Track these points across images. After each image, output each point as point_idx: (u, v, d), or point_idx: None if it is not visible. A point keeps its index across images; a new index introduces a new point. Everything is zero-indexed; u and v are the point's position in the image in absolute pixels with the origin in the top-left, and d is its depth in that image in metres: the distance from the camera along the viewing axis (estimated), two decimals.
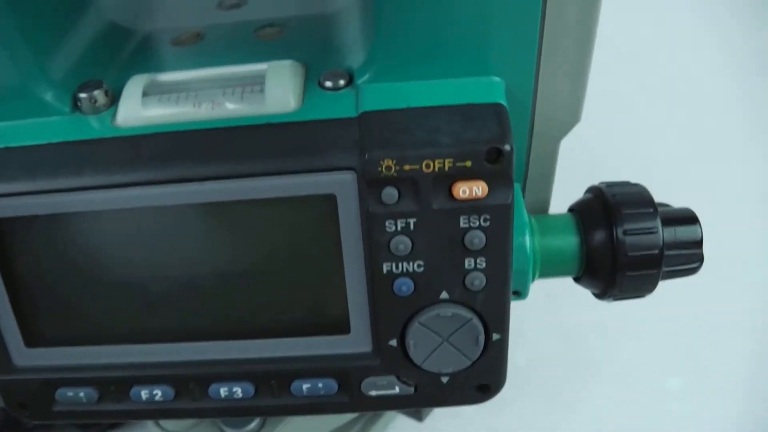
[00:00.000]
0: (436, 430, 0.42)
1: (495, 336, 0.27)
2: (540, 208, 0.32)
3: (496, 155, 0.24)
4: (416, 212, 0.25)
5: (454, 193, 0.25)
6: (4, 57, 0.27)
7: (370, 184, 0.25)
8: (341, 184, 0.25)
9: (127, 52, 0.31)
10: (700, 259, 0.30)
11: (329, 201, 0.25)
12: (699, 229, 0.29)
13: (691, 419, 0.45)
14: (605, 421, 0.45)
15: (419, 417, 0.41)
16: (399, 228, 0.25)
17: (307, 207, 0.25)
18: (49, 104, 0.28)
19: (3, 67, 0.27)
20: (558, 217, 0.30)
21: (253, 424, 0.35)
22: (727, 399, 0.46)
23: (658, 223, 0.28)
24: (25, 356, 0.29)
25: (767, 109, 0.64)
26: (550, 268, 0.29)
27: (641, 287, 0.29)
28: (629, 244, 0.28)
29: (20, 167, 0.26)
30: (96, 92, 0.28)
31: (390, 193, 0.25)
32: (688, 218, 0.30)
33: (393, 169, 0.24)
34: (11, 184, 0.26)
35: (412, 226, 0.25)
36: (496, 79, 0.27)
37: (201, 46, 0.31)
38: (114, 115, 0.28)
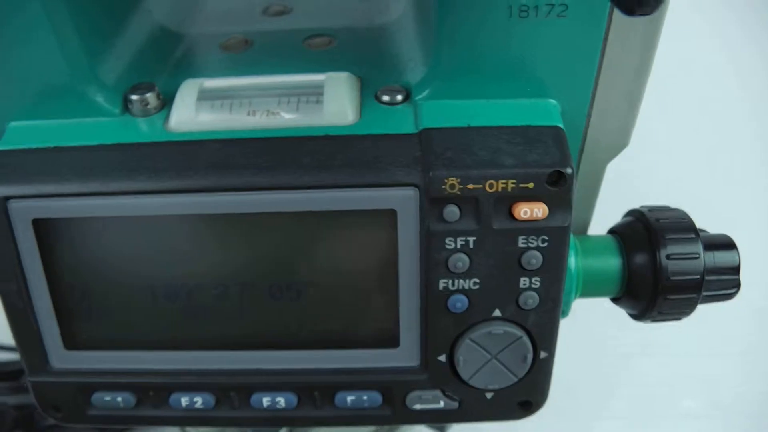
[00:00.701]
0: None
1: (543, 354, 0.27)
2: (581, 229, 0.33)
3: (558, 178, 0.25)
4: (476, 231, 0.25)
5: (515, 213, 0.25)
6: (59, 56, 0.26)
7: (433, 202, 0.25)
8: (403, 200, 0.25)
9: (176, 56, 0.31)
10: (737, 285, 0.30)
11: (389, 216, 0.25)
12: (737, 256, 0.30)
13: None
14: None
15: (442, 428, 0.41)
16: (458, 246, 0.25)
17: (366, 221, 0.26)
18: (98, 105, 0.28)
19: (56, 66, 0.27)
20: (600, 238, 0.31)
21: None
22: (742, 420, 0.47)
23: (701, 248, 0.29)
24: (63, 358, 0.29)
25: None
26: (591, 288, 0.30)
27: (680, 310, 0.30)
28: (672, 269, 0.29)
29: (70, 168, 0.26)
30: (148, 95, 0.28)
31: (452, 211, 0.25)
32: (727, 244, 0.30)
33: (456, 188, 0.24)
34: (61, 185, 0.26)
35: (471, 244, 0.25)
36: (553, 101, 0.27)
37: (250, 54, 0.31)
38: (166, 118, 0.27)
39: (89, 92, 0.28)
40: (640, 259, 0.29)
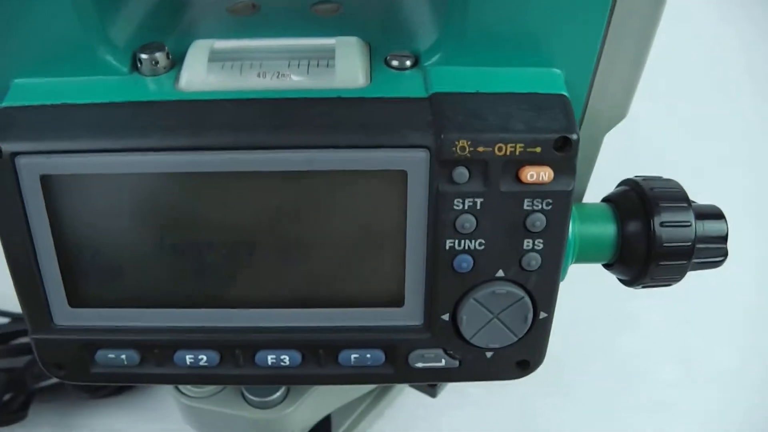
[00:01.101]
0: (441, 404, 0.44)
1: (542, 314, 0.28)
2: (577, 197, 0.34)
3: (564, 144, 0.25)
4: (484, 192, 0.26)
5: (522, 176, 0.26)
6: (73, 15, 0.26)
7: (443, 164, 0.25)
8: (413, 162, 0.26)
9: (184, 19, 0.31)
10: (725, 253, 0.31)
11: (399, 177, 0.26)
12: (725, 226, 0.31)
13: (686, 408, 0.48)
14: (601, 404, 0.47)
15: (433, 393, 0.42)
16: (466, 207, 0.26)
17: (376, 181, 0.26)
18: (107, 63, 0.28)
19: (67, 23, 0.27)
20: (595, 206, 0.32)
21: (278, 394, 0.35)
22: (721, 389, 0.49)
23: (692, 217, 0.30)
24: (67, 316, 0.29)
25: None
26: (586, 254, 0.31)
27: (671, 276, 0.31)
28: (665, 236, 0.30)
29: (80, 124, 0.26)
30: (158, 54, 0.28)
31: (461, 173, 0.25)
32: (716, 214, 0.31)
33: (467, 150, 0.25)
34: (70, 141, 0.26)
35: (478, 206, 0.26)
36: (557, 70, 0.28)
37: (257, 18, 0.31)
38: (176, 78, 0.28)
39: (99, 50, 0.28)
40: (634, 226, 0.30)
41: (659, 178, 0.32)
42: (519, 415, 0.47)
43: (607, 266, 0.32)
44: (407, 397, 0.45)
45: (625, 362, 0.51)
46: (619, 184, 0.33)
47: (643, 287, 0.32)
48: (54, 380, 0.44)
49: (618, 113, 0.30)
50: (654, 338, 0.52)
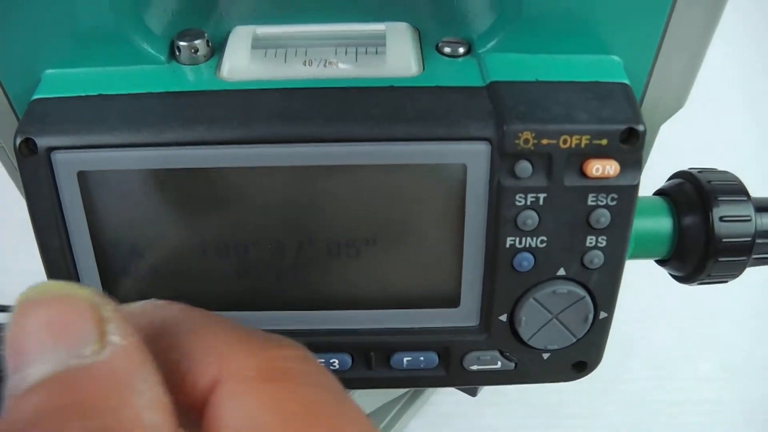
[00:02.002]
0: (478, 402, 0.43)
1: (602, 314, 0.27)
2: None
3: (630, 135, 0.24)
4: (547, 188, 0.25)
5: (586, 170, 0.24)
6: (105, 0, 0.25)
7: (505, 157, 0.24)
8: (473, 155, 0.24)
9: (222, 3, 0.30)
10: None
11: (458, 171, 0.25)
12: None
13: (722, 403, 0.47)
14: (639, 399, 0.46)
15: (473, 392, 0.41)
16: (528, 202, 0.25)
17: (433, 176, 0.25)
18: (144, 52, 0.26)
19: (100, 10, 0.25)
20: (650, 199, 0.31)
21: None
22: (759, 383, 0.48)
23: (752, 210, 0.29)
24: None
25: None
26: (642, 249, 0.30)
27: (729, 273, 0.30)
28: (724, 231, 0.29)
29: (118, 117, 0.25)
30: (197, 41, 0.26)
31: (524, 167, 0.24)
32: None
33: (530, 143, 0.24)
34: (109, 135, 0.24)
35: (541, 201, 0.25)
36: (616, 58, 0.27)
37: (298, 2, 0.30)
38: (217, 66, 0.26)
39: (134, 38, 0.26)
40: (691, 220, 0.29)
41: (715, 170, 0.31)
42: (556, 413, 0.46)
43: (661, 262, 0.31)
44: (444, 395, 0.44)
45: (661, 356, 0.50)
46: (672, 177, 0.32)
47: (699, 284, 0.31)
48: None
49: (676, 103, 0.29)
50: (689, 331, 0.51)
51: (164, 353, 0.17)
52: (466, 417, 0.44)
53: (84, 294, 0.17)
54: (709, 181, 0.30)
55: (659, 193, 0.31)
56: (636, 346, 0.50)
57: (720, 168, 0.31)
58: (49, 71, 0.26)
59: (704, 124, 0.58)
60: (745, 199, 0.29)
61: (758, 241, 0.29)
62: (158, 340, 0.18)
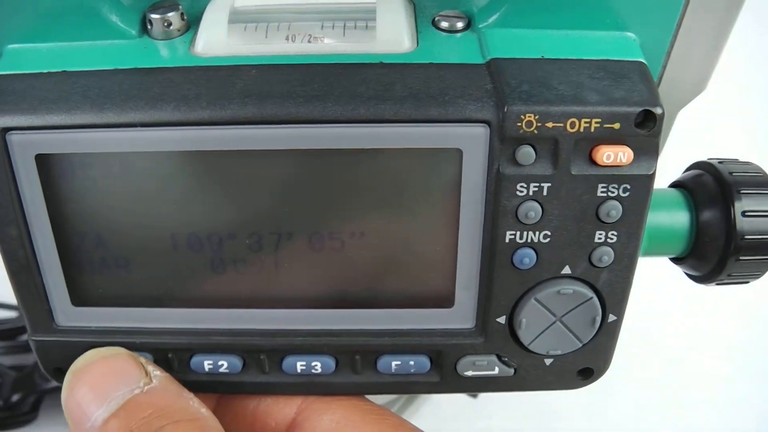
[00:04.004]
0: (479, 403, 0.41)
1: (611, 317, 0.25)
2: None
3: (646, 119, 0.22)
4: (552, 176, 0.22)
5: (596, 157, 0.22)
6: None
7: (506, 142, 0.22)
8: (470, 139, 0.22)
9: None
10: None
11: (453, 156, 0.22)
12: None
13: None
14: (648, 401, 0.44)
15: (474, 394, 0.38)
16: (531, 192, 0.22)
17: (425, 162, 0.22)
18: (112, 25, 0.24)
19: None
20: (666, 191, 0.28)
21: None
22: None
23: None
24: (70, 315, 0.25)
25: None
26: (656, 246, 0.27)
27: (751, 273, 0.27)
28: (747, 227, 0.26)
29: (81, 95, 0.23)
30: (171, 14, 0.24)
31: (526, 153, 0.22)
32: None
33: (534, 126, 0.21)
34: (70, 115, 0.22)
35: (545, 191, 0.22)
36: (631, 35, 0.24)
37: None
38: (192, 41, 0.24)
39: (103, 10, 0.24)
40: (711, 215, 0.27)
41: (736, 161, 0.28)
42: (557, 413, 0.44)
43: (676, 260, 0.29)
44: (444, 395, 0.42)
45: (667, 354, 0.47)
46: (690, 167, 0.29)
47: (718, 284, 0.28)
48: None
49: (697, 86, 0.26)
50: (702, 331, 0.49)
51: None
52: (467, 418, 0.42)
53: (120, 350, 0.25)
54: (731, 173, 0.27)
55: (676, 185, 0.29)
56: (642, 344, 0.47)
57: (743, 159, 0.29)
58: (11, 46, 0.24)
59: (727, 110, 0.56)
60: None
61: None
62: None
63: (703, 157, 0.29)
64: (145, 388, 0.23)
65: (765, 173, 0.27)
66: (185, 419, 0.23)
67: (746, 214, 0.26)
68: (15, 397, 0.42)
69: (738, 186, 0.27)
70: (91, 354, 0.25)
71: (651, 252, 0.28)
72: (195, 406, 0.24)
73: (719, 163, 0.28)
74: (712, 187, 0.27)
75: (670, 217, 0.27)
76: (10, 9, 0.24)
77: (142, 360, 0.25)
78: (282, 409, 0.27)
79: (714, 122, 0.55)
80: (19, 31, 0.24)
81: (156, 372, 0.24)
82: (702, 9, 0.24)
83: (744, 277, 0.28)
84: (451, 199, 0.23)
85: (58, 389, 0.43)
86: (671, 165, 0.31)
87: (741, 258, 0.27)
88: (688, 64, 0.25)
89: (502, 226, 0.23)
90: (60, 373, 0.27)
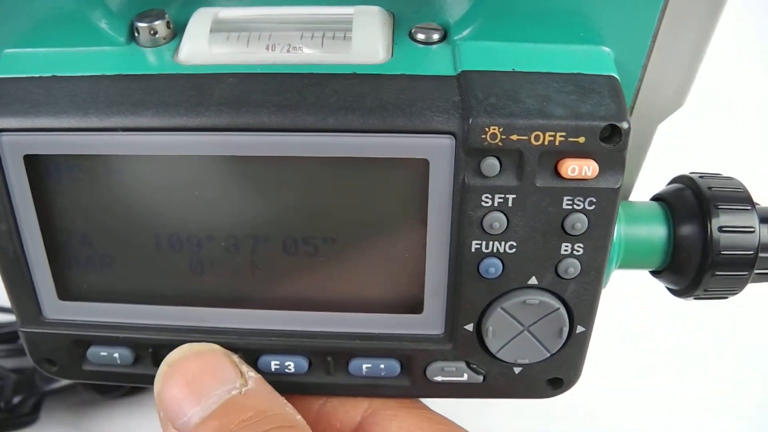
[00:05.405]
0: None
1: (579, 328, 0.25)
2: (623, 194, 0.30)
3: (612, 133, 0.22)
4: (517, 188, 0.22)
5: (561, 170, 0.22)
6: None
7: (470, 153, 0.22)
8: (436, 150, 0.22)
9: None
10: None
11: (420, 167, 0.23)
12: None
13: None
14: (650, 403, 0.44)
15: None
16: (496, 203, 0.23)
17: (393, 171, 0.23)
18: (102, 32, 0.25)
19: None
20: (645, 205, 0.28)
21: None
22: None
23: (756, 221, 0.26)
24: (57, 309, 0.26)
25: None
26: (632, 258, 0.27)
27: (728, 289, 0.27)
28: (723, 242, 0.26)
29: (69, 99, 0.24)
30: (157, 23, 0.25)
31: (491, 165, 0.22)
32: None
33: (498, 138, 0.22)
34: (58, 118, 0.23)
35: (510, 203, 0.23)
36: (606, 49, 0.24)
37: None
38: (176, 50, 0.25)
39: (93, 17, 0.25)
40: (688, 229, 0.27)
41: (718, 176, 0.28)
42: (557, 413, 0.43)
43: (655, 273, 0.29)
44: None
45: (668, 355, 0.47)
46: (672, 181, 0.29)
47: (695, 299, 0.28)
48: (66, 381, 0.42)
49: (675, 101, 0.26)
50: (704, 335, 0.48)
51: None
52: (467, 418, 0.42)
53: (215, 346, 0.25)
54: (710, 188, 0.27)
55: (656, 198, 0.29)
56: (640, 343, 0.47)
57: (727, 173, 0.29)
58: (7, 51, 0.25)
59: (713, 124, 0.55)
60: (749, 208, 0.27)
61: (761, 254, 0.27)
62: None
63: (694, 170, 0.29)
64: (243, 389, 0.23)
65: (745, 189, 0.27)
66: (285, 425, 0.22)
67: (723, 229, 0.26)
68: (16, 399, 0.42)
69: (716, 201, 0.27)
70: (185, 348, 0.24)
71: (628, 264, 0.28)
72: (290, 411, 0.23)
73: (699, 177, 0.28)
74: (690, 201, 0.27)
75: (648, 230, 0.27)
76: (7, 15, 0.25)
77: (236, 359, 0.24)
78: (348, 411, 0.27)
79: (712, 135, 0.55)
80: (16, 37, 0.25)
81: (250, 373, 0.24)
82: (677, 23, 0.24)
83: (722, 293, 0.28)
84: (419, 208, 0.23)
85: (59, 391, 0.44)
86: (660, 178, 0.31)
87: (717, 273, 0.27)
88: (665, 78, 0.25)
89: (468, 235, 0.23)
90: (49, 364, 0.28)
